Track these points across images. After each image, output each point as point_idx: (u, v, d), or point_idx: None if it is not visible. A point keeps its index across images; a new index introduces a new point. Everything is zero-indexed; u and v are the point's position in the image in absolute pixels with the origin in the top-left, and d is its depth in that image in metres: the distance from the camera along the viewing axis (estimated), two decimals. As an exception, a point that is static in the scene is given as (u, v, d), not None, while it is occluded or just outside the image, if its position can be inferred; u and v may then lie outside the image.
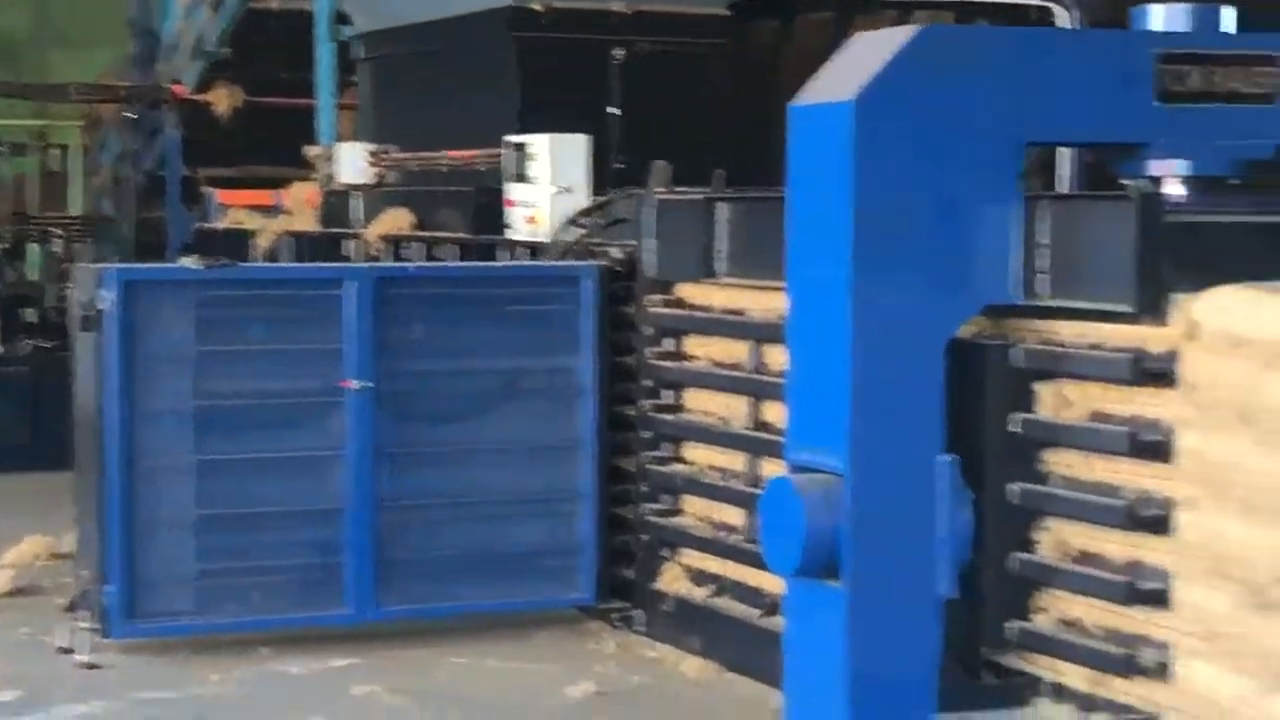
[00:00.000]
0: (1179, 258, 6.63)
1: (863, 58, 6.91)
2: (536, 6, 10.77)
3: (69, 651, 8.67)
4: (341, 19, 13.65)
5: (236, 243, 13.22)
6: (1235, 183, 7.43)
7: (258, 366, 8.86)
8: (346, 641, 8.90)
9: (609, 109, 10.91)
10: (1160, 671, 6.58)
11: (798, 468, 7.01)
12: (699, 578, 9.00)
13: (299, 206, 13.03)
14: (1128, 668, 6.68)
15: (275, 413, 8.87)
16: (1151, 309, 6.61)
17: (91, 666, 8.54)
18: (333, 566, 8.93)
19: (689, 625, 8.93)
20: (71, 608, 8.88)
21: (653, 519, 9.32)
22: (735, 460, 8.76)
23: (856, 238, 6.70)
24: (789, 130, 7.04)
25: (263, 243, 12.88)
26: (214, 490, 8.77)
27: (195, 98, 15.53)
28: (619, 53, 10.96)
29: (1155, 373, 6.60)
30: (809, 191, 6.99)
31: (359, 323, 8.87)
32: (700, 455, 9.12)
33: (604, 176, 10.49)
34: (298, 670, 8.60)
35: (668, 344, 9.29)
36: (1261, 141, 7.29)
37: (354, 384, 8.85)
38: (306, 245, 12.66)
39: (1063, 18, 11.05)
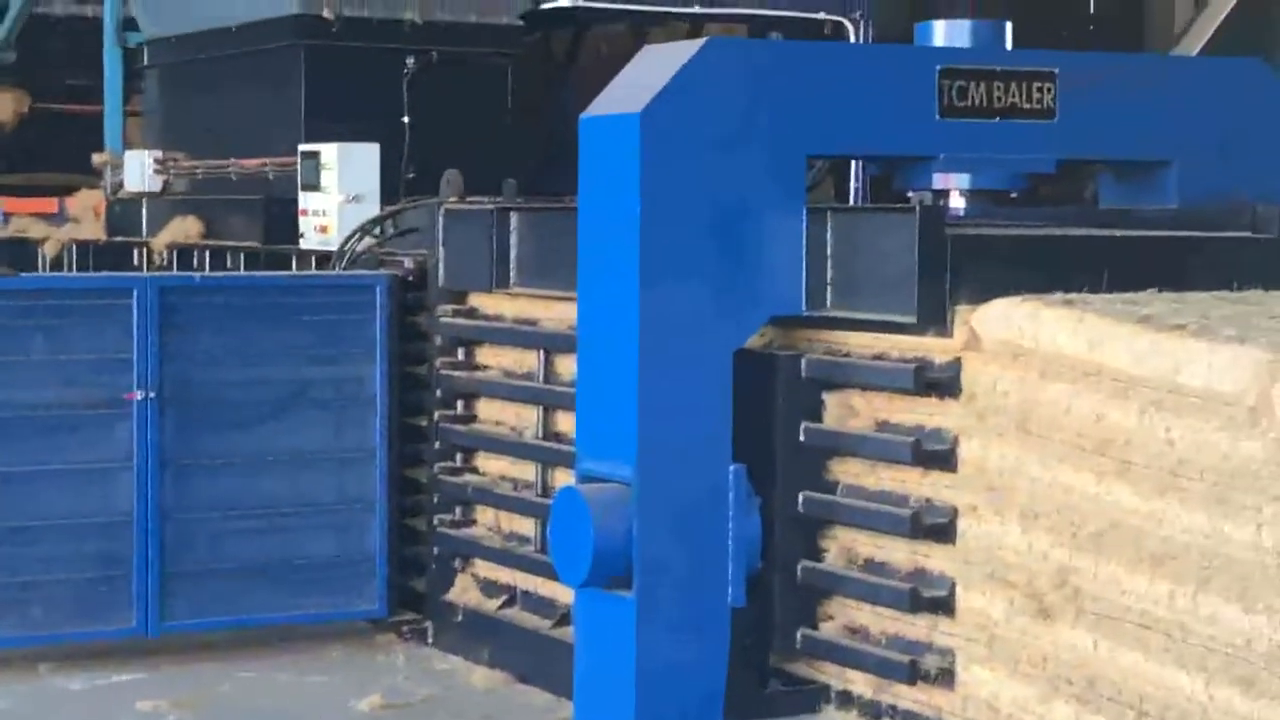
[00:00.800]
0: (960, 270, 6.70)
1: (651, 70, 6.99)
2: (326, 14, 10.69)
3: None
4: (129, 25, 13.48)
5: (21, 251, 13.03)
6: (1014, 197, 7.51)
7: (40, 376, 8.69)
8: (132, 656, 8.76)
9: (402, 118, 10.80)
10: (943, 678, 6.69)
11: (587, 478, 7.06)
12: (490, 589, 8.97)
13: (85, 214, 12.89)
14: (912, 674, 6.75)
15: (58, 423, 8.71)
16: (933, 320, 6.69)
17: None
18: (117, 579, 8.75)
19: (480, 636, 8.89)
20: None
21: (444, 530, 9.28)
22: (527, 470, 8.76)
23: (643, 249, 6.78)
24: (581, 140, 7.11)
25: (48, 251, 12.70)
26: None
27: (-25, 104, 15.35)
28: (410, 61, 10.88)
29: (937, 383, 6.69)
30: (598, 203, 7.06)
31: (144, 332, 8.73)
32: (492, 466, 9.11)
33: (396, 186, 10.49)
34: (79, 686, 8.47)
35: (460, 354, 9.25)
36: (1042, 156, 7.44)
37: (138, 394, 8.71)
38: (93, 253, 12.44)
39: (853, 33, 11.12)
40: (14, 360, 8.63)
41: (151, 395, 8.78)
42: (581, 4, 10.45)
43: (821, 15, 11.02)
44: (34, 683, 8.51)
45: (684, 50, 6.99)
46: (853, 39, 11.16)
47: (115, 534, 8.79)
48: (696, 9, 10.83)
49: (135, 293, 8.82)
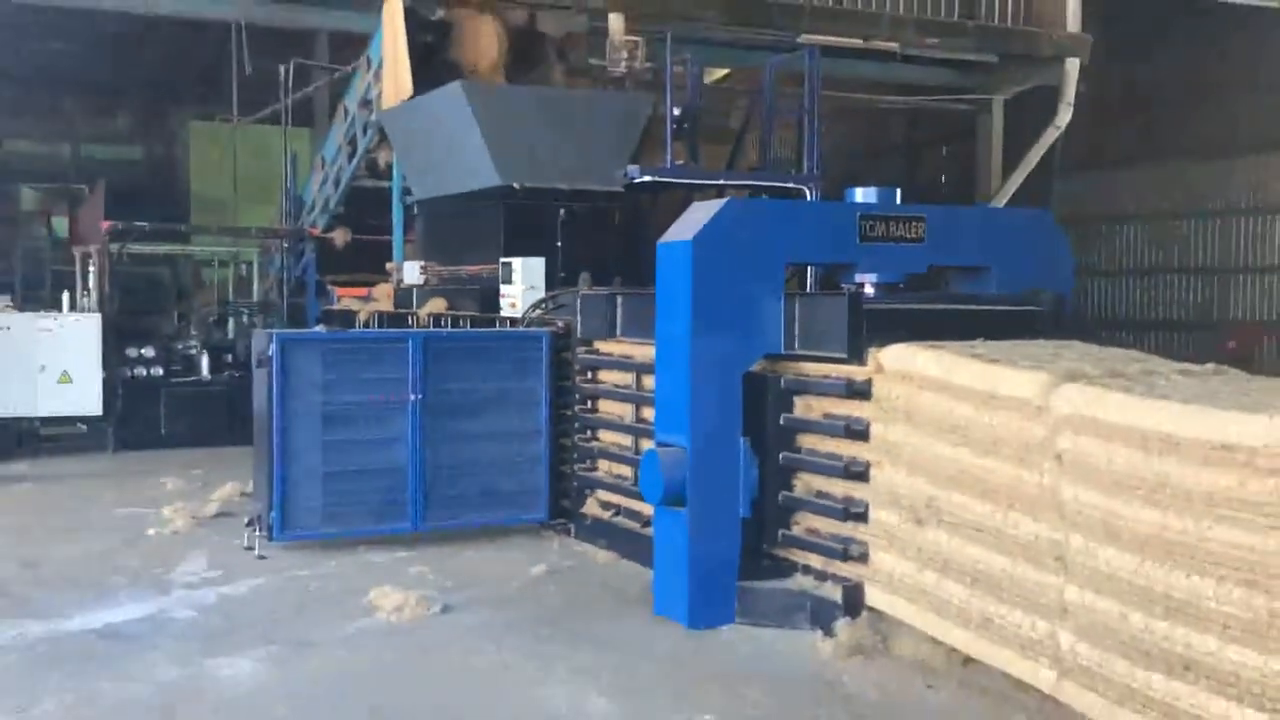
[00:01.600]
0: (871, 328, 6.64)
1: (697, 215, 6.94)
2: (515, 186, 10.65)
3: (250, 549, 8.51)
4: (406, 191, 13.52)
5: (346, 318, 13.09)
6: (902, 287, 7.42)
7: (360, 387, 8.61)
8: (407, 544, 8.72)
9: (556, 243, 10.75)
10: (862, 558, 6.63)
11: (661, 444, 7.01)
12: (605, 506, 8.85)
13: (383, 296, 12.92)
14: (844, 555, 6.71)
15: (369, 413, 8.63)
16: (857, 357, 6.63)
17: (261, 557, 8.40)
18: (399, 500, 8.70)
19: (600, 533, 8.76)
20: (250, 523, 8.69)
21: (580, 473, 9.14)
22: (626, 440, 8.68)
23: (693, 315, 6.74)
24: (658, 255, 7.05)
25: (362, 318, 12.73)
26: (331, 457, 8.52)
27: (323, 235, 15.39)
28: (562, 211, 10.86)
29: (859, 391, 6.62)
30: (668, 290, 6.98)
31: (415, 362, 8.68)
32: (607, 437, 8.99)
33: (554, 281, 10.32)
34: (379, 559, 8.44)
35: (589, 374, 9.12)
36: (917, 264, 7.33)
37: (411, 397, 8.70)
38: (386, 319, 12.47)
39: (809, 194, 11.04)
40: (346, 378, 8.58)
41: (419, 398, 8.75)
42: (653, 179, 10.41)
43: (792, 185, 10.94)
44: (354, 556, 8.51)
45: (715, 205, 6.94)
46: (808, 198, 11.02)
47: (399, 475, 8.72)
48: (720, 181, 10.81)
49: (410, 341, 8.83)
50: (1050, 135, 16.30)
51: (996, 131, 17.51)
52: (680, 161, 10.83)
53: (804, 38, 14.34)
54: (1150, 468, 4.94)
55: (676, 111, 10.97)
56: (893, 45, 15.08)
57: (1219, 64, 19.92)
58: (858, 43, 14.99)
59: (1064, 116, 16.00)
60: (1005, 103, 17.52)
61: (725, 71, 18.88)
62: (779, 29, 14.63)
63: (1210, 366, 5.88)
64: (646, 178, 10.55)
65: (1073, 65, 15.89)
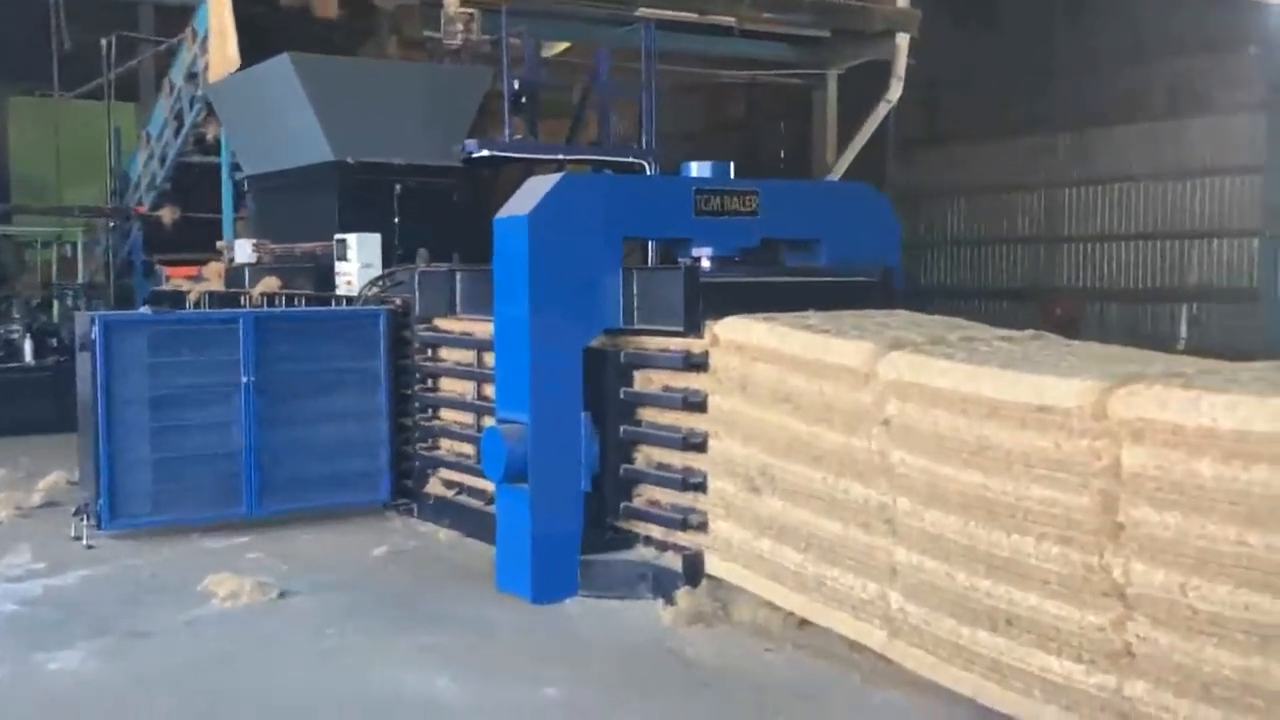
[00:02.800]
0: (707, 301, 6.71)
1: (533, 191, 6.93)
2: (349, 160, 10.49)
3: (78, 539, 8.27)
4: (236, 167, 13.22)
5: (176, 298, 12.72)
6: (736, 260, 7.49)
7: (188, 370, 8.44)
8: (244, 529, 8.58)
9: (393, 219, 10.60)
10: (701, 527, 6.72)
11: (502, 420, 7.02)
12: (449, 485, 8.84)
13: (213, 276, 12.61)
14: (684, 525, 6.80)
15: (198, 397, 8.46)
16: (694, 329, 6.70)
17: (90, 547, 8.18)
18: (235, 484, 8.56)
19: (443, 512, 8.73)
20: (78, 512, 8.44)
21: (422, 452, 9.11)
22: (468, 417, 8.65)
23: (531, 292, 6.75)
24: (495, 231, 7.03)
25: (192, 298, 12.40)
26: (160, 442, 8.35)
27: (150, 214, 14.95)
28: (398, 187, 10.71)
29: (696, 364, 6.70)
30: (506, 266, 6.97)
31: (247, 344, 8.53)
32: (449, 415, 8.96)
33: (390, 258, 10.22)
34: (215, 545, 8.29)
35: (429, 352, 9.07)
36: (750, 237, 7.40)
37: (244, 379, 8.53)
38: (217, 299, 12.18)
39: (648, 168, 11.08)
40: (174, 361, 8.41)
41: (251, 380, 8.60)
42: (492, 154, 10.32)
43: (631, 159, 10.96)
44: (189, 544, 8.36)
45: (551, 179, 6.95)
46: (648, 171, 11.06)
47: (234, 459, 8.58)
48: (560, 156, 10.76)
49: (240, 321, 8.68)
50: (882, 110, 16.66)
51: (831, 106, 17.83)
52: (519, 136, 10.75)
53: (641, 11, 14.37)
54: (971, 431, 5.12)
55: (515, 85, 10.88)
56: (729, 20, 15.24)
57: (1046, 43, 20.67)
58: (694, 17, 15.11)
59: (895, 91, 16.37)
60: (840, 78, 17.83)
61: (566, 45, 18.87)
62: (618, 3, 14.64)
63: (1029, 332, 6.12)
64: (485, 152, 10.40)
65: (903, 40, 16.26)
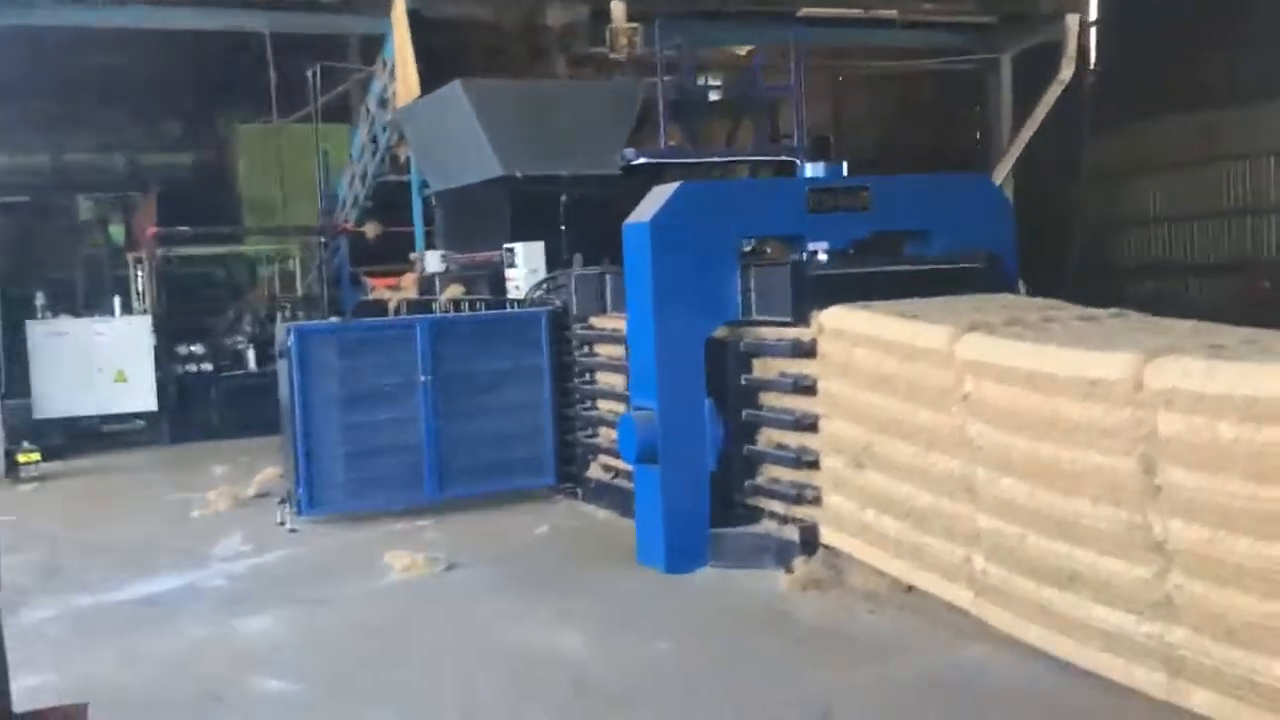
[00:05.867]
0: (817, 292, 7.19)
1: (655, 198, 7.54)
2: (517, 175, 11.16)
3: (282, 524, 9.26)
4: (424, 184, 14.08)
5: (379, 307, 13.50)
6: (850, 253, 7.89)
7: (373, 371, 9.23)
8: (425, 513, 9.38)
9: (559, 226, 11.13)
10: (816, 501, 7.21)
11: (635, 408, 7.63)
12: (607, 469, 9.39)
13: (408, 284, 13.46)
14: (799, 500, 7.29)
15: (383, 396, 9.23)
16: (801, 319, 7.19)
17: (292, 531, 9.15)
18: (417, 472, 9.32)
19: (602, 495, 9.30)
20: (282, 501, 9.44)
21: (583, 440, 9.71)
22: (620, 407, 8.93)
23: (654, 290, 7.36)
24: (624, 236, 7.61)
25: (392, 305, 13.22)
26: (351, 437, 9.17)
27: (355, 229, 16.01)
28: (564, 197, 11.24)
29: (805, 351, 7.18)
30: (634, 268, 7.56)
31: (424, 348, 9.31)
32: (604, 405, 9.52)
33: (556, 263, 10.71)
34: (400, 527, 9.13)
35: (586, 348, 9.65)
36: (861, 231, 7.81)
37: (422, 378, 9.33)
38: (411, 305, 12.87)
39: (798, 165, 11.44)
40: (360, 364, 9.24)
41: (429, 378, 9.38)
42: (649, 161, 10.83)
43: (781, 158, 11.38)
44: (377, 527, 9.21)
45: (671, 188, 7.54)
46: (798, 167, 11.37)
47: (416, 451, 9.35)
48: (711, 159, 11.21)
49: (417, 328, 9.51)
50: (1055, 90, 16.62)
51: (1006, 90, 17.84)
52: (673, 143, 11.39)
53: (804, 11, 14.89)
54: (1034, 404, 5.56)
55: (670, 95, 11.50)
56: (891, 13, 15.56)
57: (1241, 10, 20.09)
58: (858, 13, 15.49)
59: (1066, 71, 16.33)
60: (1013, 61, 17.83)
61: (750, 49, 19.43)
62: (780, 3, 15.15)
63: (1111, 310, 6.47)
64: (642, 160, 11.07)
65: (1073, 20, 16.24)
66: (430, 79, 12.48)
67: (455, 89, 11.26)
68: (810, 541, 7.18)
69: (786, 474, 7.46)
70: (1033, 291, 8.11)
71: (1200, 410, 4.77)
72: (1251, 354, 4.90)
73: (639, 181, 12.14)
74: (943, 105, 25.68)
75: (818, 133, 13.77)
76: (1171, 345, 5.16)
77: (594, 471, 9.64)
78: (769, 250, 9.32)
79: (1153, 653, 5.06)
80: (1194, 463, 4.82)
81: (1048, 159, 18.69)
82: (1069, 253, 20.18)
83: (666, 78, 11.50)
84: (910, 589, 6.63)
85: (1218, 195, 22.05)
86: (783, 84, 12.37)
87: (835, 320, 7.00)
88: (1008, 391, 5.73)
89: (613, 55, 13.19)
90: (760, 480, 7.67)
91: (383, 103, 14.43)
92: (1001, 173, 16.45)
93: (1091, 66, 18.89)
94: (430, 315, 10.89)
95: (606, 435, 9.52)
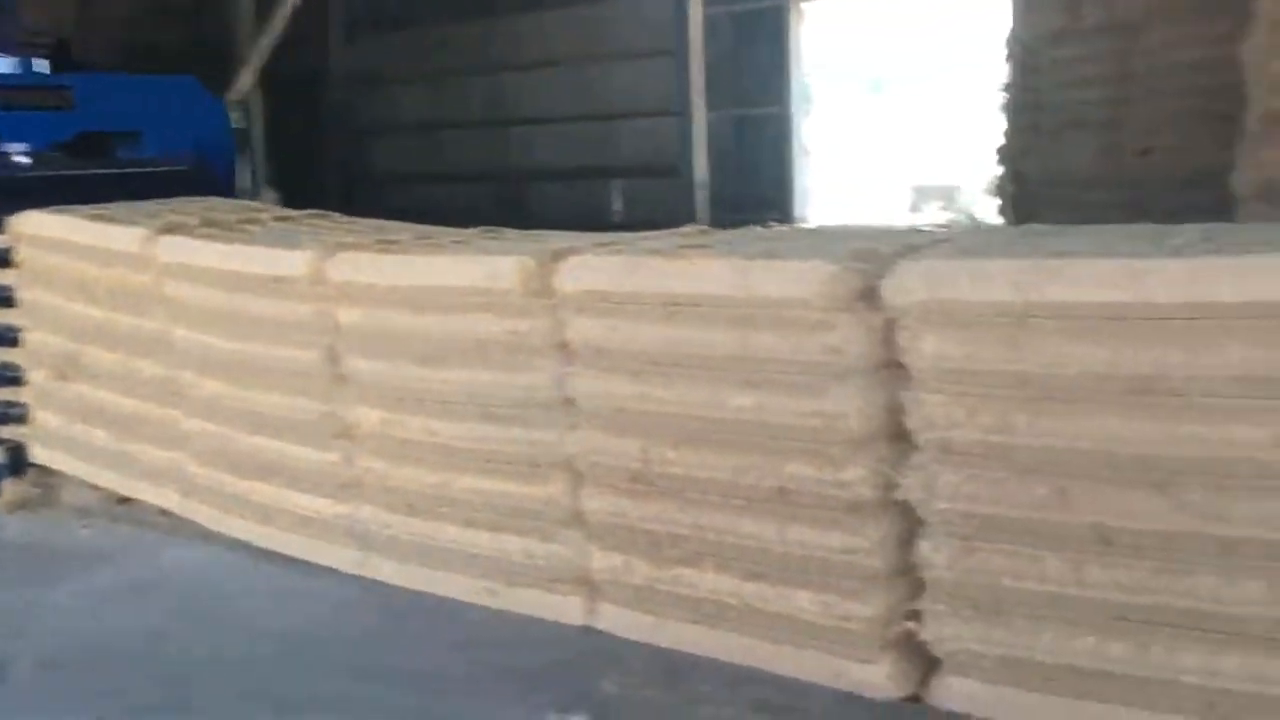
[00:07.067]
0: (9, 197, 6.81)
1: None
2: None
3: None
4: None
5: None
6: (51, 154, 7.52)
7: None
8: None
9: None
10: (23, 419, 6.89)
11: None
12: None
13: None
14: (6, 420, 6.89)
15: None
16: None
17: None
18: None
19: None
20: None
21: None
22: None
23: None
24: None
25: None
26: None
27: None
28: None
29: (3, 260, 6.74)
30: None
31: None
32: None
33: None
34: None
35: None
36: (65, 131, 7.46)
37: None
38: None
39: None
40: None
41: None
42: None
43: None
44: None
45: None
46: None
47: None
48: None
49: None
50: (292, -1, 16.58)
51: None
52: None
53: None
54: (228, 303, 5.67)
55: None
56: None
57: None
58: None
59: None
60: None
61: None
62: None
63: (311, 211, 6.73)
64: None
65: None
66: None
67: None
68: (19, 461, 6.86)
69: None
70: (287, 201, 8.18)
71: (372, 301, 5.13)
72: (427, 248, 5.33)
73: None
74: (195, 9, 24.98)
75: (58, 33, 12.86)
76: (354, 243, 5.48)
77: None
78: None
79: (347, 531, 5.42)
80: (371, 351, 5.18)
81: (302, 67, 18.79)
82: (326, 163, 20.55)
83: None
84: (125, 500, 6.55)
85: (468, 106, 23.50)
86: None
87: (30, 226, 6.65)
88: (204, 292, 5.78)
89: None
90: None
91: None
92: (246, 78, 16.26)
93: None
94: None
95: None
